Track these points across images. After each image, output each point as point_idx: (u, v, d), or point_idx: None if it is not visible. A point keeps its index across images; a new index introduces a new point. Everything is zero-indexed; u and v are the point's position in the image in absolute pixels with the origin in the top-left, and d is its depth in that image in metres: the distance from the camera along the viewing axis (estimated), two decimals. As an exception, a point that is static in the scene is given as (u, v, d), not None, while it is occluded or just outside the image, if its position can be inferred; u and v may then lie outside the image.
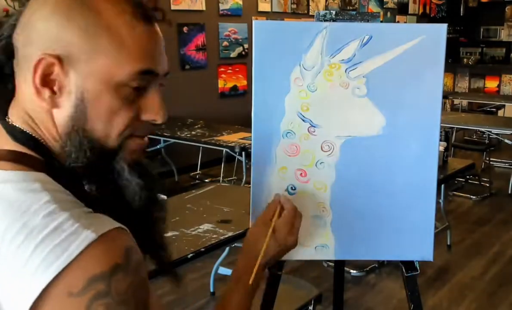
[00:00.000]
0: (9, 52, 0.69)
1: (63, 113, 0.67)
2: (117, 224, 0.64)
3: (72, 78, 0.66)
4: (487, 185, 5.18)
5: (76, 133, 0.67)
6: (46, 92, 0.66)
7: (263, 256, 0.97)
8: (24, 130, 0.69)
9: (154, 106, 0.72)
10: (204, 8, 5.89)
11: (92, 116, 0.67)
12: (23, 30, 0.67)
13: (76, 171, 0.70)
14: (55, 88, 0.66)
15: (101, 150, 0.69)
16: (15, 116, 0.70)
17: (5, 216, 0.61)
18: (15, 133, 0.69)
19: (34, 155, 0.68)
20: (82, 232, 0.60)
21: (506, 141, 5.27)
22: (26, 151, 0.67)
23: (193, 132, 4.34)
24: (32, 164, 0.66)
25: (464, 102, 8.28)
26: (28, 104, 0.69)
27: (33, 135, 0.69)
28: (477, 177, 5.39)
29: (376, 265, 3.49)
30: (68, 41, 0.65)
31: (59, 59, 0.65)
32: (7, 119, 0.70)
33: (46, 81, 0.66)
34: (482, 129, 5.68)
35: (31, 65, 0.65)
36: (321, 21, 1.18)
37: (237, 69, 6.39)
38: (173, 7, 5.46)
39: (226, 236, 1.93)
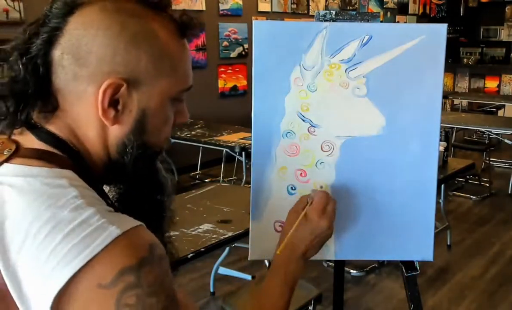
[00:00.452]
0: (48, 68, 0.70)
1: (123, 129, 0.72)
2: (138, 222, 0.66)
3: (135, 97, 0.71)
4: (487, 185, 5.18)
5: (136, 145, 0.73)
6: (112, 112, 0.70)
7: (291, 235, 0.97)
8: (51, 131, 0.71)
9: (185, 111, 0.81)
10: (204, 8, 5.89)
11: (150, 129, 0.74)
12: (70, 50, 0.68)
13: (104, 174, 0.76)
14: (119, 107, 0.70)
15: (151, 154, 0.77)
16: (53, 127, 0.72)
17: (33, 208, 0.63)
18: (40, 134, 0.71)
19: (61, 154, 0.70)
20: (108, 227, 0.62)
21: (506, 141, 5.27)
22: (53, 150, 0.70)
23: (193, 132, 4.34)
24: (58, 162, 0.69)
25: (464, 102, 8.28)
26: (78, 121, 0.71)
27: (64, 139, 0.71)
28: (477, 177, 5.39)
29: (376, 265, 3.49)
30: (135, 65, 0.69)
31: (126, 81, 0.69)
32: (33, 121, 0.72)
33: (112, 101, 0.69)
34: (482, 129, 5.68)
35: (92, 88, 0.68)
36: (321, 21, 1.18)
37: (237, 69, 6.39)
38: (173, 7, 5.45)
39: (226, 236, 1.93)
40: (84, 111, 0.70)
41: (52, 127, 0.71)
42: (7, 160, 0.68)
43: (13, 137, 0.71)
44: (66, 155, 0.70)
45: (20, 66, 0.69)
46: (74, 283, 0.60)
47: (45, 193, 0.64)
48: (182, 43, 0.76)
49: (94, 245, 0.60)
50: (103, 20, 0.68)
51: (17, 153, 0.69)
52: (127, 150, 0.73)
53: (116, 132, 0.72)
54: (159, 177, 0.81)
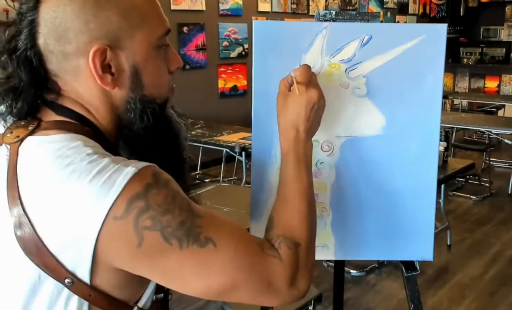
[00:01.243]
0: (40, 58, 0.76)
1: (123, 90, 0.78)
2: (151, 164, 0.73)
3: (122, 57, 0.76)
4: (487, 185, 5.18)
5: (138, 100, 0.79)
6: (108, 77, 0.76)
7: (285, 116, 0.95)
8: (66, 106, 0.78)
9: (175, 57, 0.85)
10: (204, 8, 5.89)
11: (146, 82, 0.79)
12: (50, 35, 0.74)
13: (118, 138, 0.82)
14: (113, 71, 0.76)
15: (159, 106, 0.81)
16: (65, 104, 0.78)
17: (55, 166, 0.70)
18: (57, 109, 0.78)
19: (77, 123, 0.77)
20: (124, 169, 0.69)
21: (506, 141, 5.28)
22: (69, 120, 0.77)
23: (193, 132, 4.34)
24: (74, 129, 0.76)
25: (464, 102, 8.28)
26: (82, 95, 0.78)
27: (79, 112, 0.78)
28: (477, 177, 5.39)
29: (376, 265, 3.49)
30: (109, 27, 0.74)
31: (108, 45, 0.74)
32: (49, 100, 0.78)
33: (104, 67, 0.75)
34: (482, 129, 5.68)
35: (82, 60, 0.74)
36: (321, 21, 1.18)
37: (237, 69, 6.39)
38: (173, 7, 5.46)
39: (226, 236, 1.93)
40: (84, 85, 0.76)
41: (65, 104, 0.78)
42: (31, 133, 0.75)
43: (37, 115, 0.78)
44: (81, 124, 0.77)
45: (13, 63, 0.75)
46: (105, 224, 0.67)
47: (64, 153, 0.71)
48: None
49: (116, 186, 0.68)
50: None
51: (40, 127, 0.76)
52: (132, 107, 0.78)
53: (118, 94, 0.78)
54: (172, 123, 0.86)
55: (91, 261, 0.69)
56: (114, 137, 0.82)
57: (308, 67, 0.97)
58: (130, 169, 0.69)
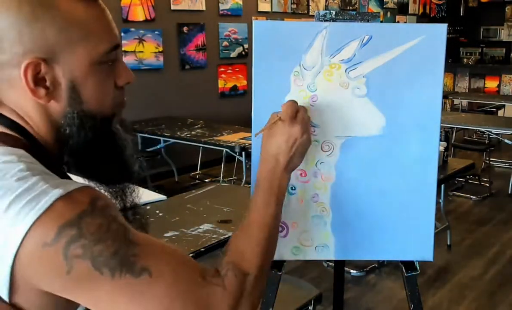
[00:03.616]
0: None
1: (60, 103, 0.75)
2: (86, 184, 0.71)
3: (59, 71, 0.73)
4: (487, 185, 5.18)
5: (77, 115, 0.76)
6: (42, 90, 0.72)
7: (265, 148, 0.97)
8: (8, 116, 0.75)
9: (125, 71, 0.81)
10: (204, 8, 5.89)
11: (86, 97, 0.76)
12: None
13: (58, 151, 0.79)
14: (48, 84, 0.73)
15: (101, 121, 0.79)
16: (4, 112, 0.75)
17: None
18: None
19: (16, 135, 0.74)
20: (51, 191, 0.66)
21: (506, 141, 5.28)
22: (8, 132, 0.74)
23: (193, 132, 4.34)
24: (11, 143, 0.73)
25: (464, 102, 8.28)
26: (17, 105, 0.75)
27: (17, 122, 0.75)
28: (477, 177, 5.39)
29: (376, 265, 3.49)
30: (44, 41, 0.71)
31: (43, 59, 0.71)
32: None
33: (37, 80, 0.72)
34: (482, 129, 5.68)
35: (16, 71, 0.71)
36: (321, 21, 1.18)
37: (237, 69, 6.39)
38: (173, 7, 5.46)
39: (226, 236, 1.93)
40: (19, 96, 0.73)
41: (3, 112, 0.75)
42: None
43: None
44: (20, 136, 0.74)
45: None
46: (25, 246, 0.64)
47: None
48: (91, 6, 0.76)
49: (39, 206, 0.64)
50: (2, 3, 0.70)
51: None
52: (69, 121, 0.76)
53: (55, 108, 0.75)
54: (117, 139, 0.83)
55: (9, 281, 0.66)
56: (55, 149, 0.79)
57: (293, 103, 0.99)
58: (57, 191, 0.66)
